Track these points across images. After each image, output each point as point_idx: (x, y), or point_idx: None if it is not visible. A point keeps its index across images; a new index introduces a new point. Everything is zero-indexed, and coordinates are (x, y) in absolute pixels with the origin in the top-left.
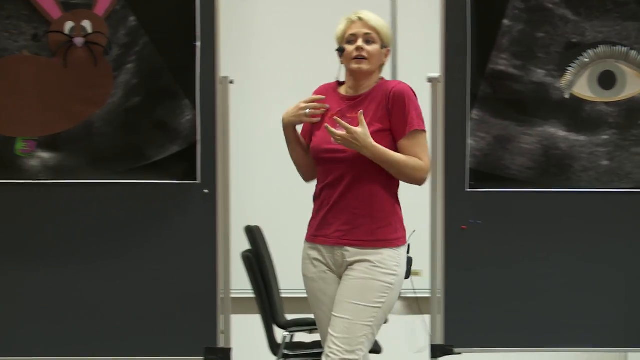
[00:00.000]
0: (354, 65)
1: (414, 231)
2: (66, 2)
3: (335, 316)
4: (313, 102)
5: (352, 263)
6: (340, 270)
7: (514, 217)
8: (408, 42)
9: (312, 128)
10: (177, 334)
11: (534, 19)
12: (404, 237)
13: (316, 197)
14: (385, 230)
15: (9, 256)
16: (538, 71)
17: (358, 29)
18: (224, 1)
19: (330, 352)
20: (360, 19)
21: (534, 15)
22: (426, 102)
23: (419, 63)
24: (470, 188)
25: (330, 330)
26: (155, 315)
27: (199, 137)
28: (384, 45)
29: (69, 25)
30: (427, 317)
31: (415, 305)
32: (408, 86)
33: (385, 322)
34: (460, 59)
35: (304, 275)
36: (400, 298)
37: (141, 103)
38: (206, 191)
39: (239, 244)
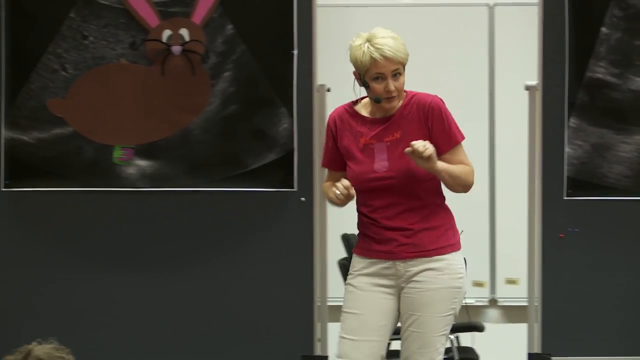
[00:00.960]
0: (387, 105)
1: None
2: (164, 10)
3: (413, 331)
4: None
5: (416, 273)
6: (399, 281)
7: (611, 225)
8: (506, 51)
9: (338, 156)
10: (274, 342)
11: (632, 27)
12: (459, 238)
13: (363, 215)
14: (445, 236)
15: (107, 263)
16: (636, 79)
17: (385, 69)
18: (321, 9)
19: None
20: (385, 57)
21: (632, 24)
22: (524, 110)
23: (516, 71)
24: (567, 196)
25: (409, 346)
26: (252, 322)
27: (296, 145)
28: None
29: (166, 34)
30: (524, 326)
31: (512, 314)
32: (439, 98)
33: None
34: (558, 67)
35: (350, 285)
36: (497, 306)
37: (238, 111)
38: (303, 199)
39: (336, 251)
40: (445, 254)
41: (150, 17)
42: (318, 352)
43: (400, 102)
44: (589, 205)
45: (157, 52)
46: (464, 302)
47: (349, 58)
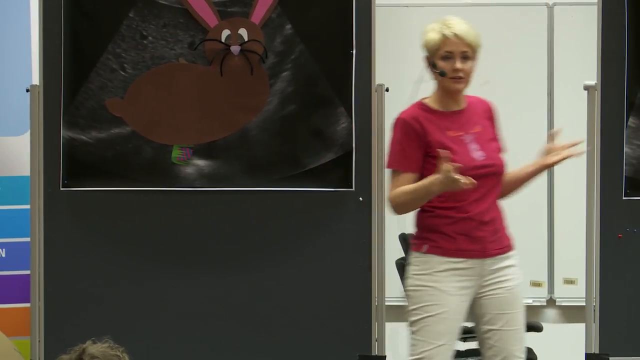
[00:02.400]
0: (453, 85)
1: None
2: (223, 10)
3: (508, 330)
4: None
5: (498, 270)
6: (481, 281)
7: None
8: (565, 50)
9: (420, 156)
10: (332, 341)
11: None
12: None
13: (451, 209)
14: (509, 233)
15: (165, 263)
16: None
17: (455, 47)
18: (380, 9)
19: None
20: (456, 35)
21: None
22: (583, 110)
23: (575, 71)
24: (626, 196)
25: (505, 346)
26: (309, 322)
27: (354, 144)
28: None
29: (225, 34)
30: (582, 326)
31: (570, 314)
32: None
33: None
34: (617, 67)
35: (434, 288)
36: (555, 306)
37: (297, 111)
38: (361, 199)
39: (394, 251)
40: (513, 249)
41: (209, 17)
42: (376, 352)
43: (465, 93)
44: None
45: (215, 52)
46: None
47: (423, 45)
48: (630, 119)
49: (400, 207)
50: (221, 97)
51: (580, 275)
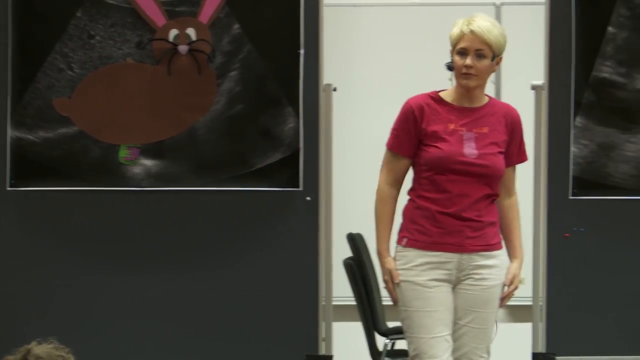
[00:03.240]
0: (462, 81)
1: None
2: (171, 9)
3: (473, 327)
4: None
5: (477, 267)
6: (460, 274)
7: (617, 225)
8: (512, 50)
9: (413, 142)
10: (279, 341)
11: (639, 26)
12: None
13: (431, 203)
14: (498, 231)
15: (112, 262)
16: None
17: (470, 44)
18: (328, 9)
19: None
20: (472, 32)
21: (638, 23)
22: (530, 110)
23: (523, 70)
24: (573, 196)
25: (468, 342)
26: (256, 322)
27: (301, 144)
28: (495, 56)
29: (173, 33)
30: (529, 325)
31: (517, 313)
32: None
33: None
34: (565, 67)
35: (412, 282)
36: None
37: (245, 110)
38: (308, 199)
39: (341, 251)
40: (500, 249)
41: (157, 16)
42: (323, 351)
43: (487, 98)
44: (594, 205)
45: (163, 52)
46: None
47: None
48: (578, 119)
49: (375, 203)
50: (169, 97)
51: (527, 275)
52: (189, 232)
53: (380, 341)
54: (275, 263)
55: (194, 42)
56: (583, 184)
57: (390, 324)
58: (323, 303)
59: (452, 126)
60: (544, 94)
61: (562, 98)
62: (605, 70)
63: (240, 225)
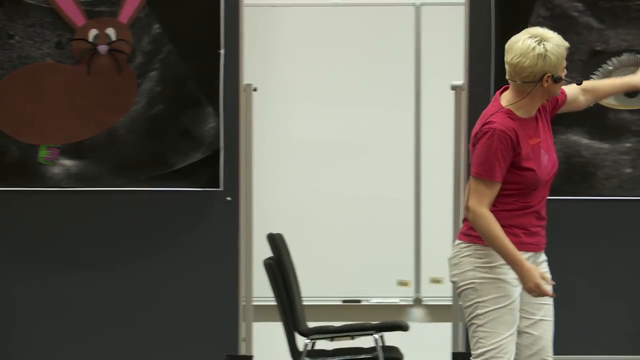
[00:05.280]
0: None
1: None
2: (90, 9)
3: (547, 319)
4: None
5: (541, 263)
6: None
7: None
8: (432, 50)
9: (508, 162)
10: (199, 341)
11: (558, 27)
12: None
13: (513, 206)
14: None
15: (31, 263)
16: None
17: None
18: (248, 9)
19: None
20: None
21: (558, 23)
22: (450, 110)
23: (442, 71)
24: None
25: (536, 333)
26: (176, 322)
27: (222, 144)
28: None
29: (93, 33)
30: (448, 325)
31: (437, 313)
32: None
33: None
34: (484, 67)
35: (500, 280)
36: (422, 305)
37: (165, 111)
38: (229, 199)
39: (261, 251)
40: None
41: (76, 16)
42: (243, 351)
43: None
44: None
45: (83, 52)
46: (388, 301)
47: (537, 62)
48: None
49: (477, 227)
50: (88, 97)
51: (447, 275)
52: (109, 232)
53: (301, 341)
54: (196, 263)
55: (113, 42)
56: None
57: (311, 324)
58: (243, 303)
59: (532, 142)
60: (464, 94)
61: (482, 98)
62: None
63: (160, 225)
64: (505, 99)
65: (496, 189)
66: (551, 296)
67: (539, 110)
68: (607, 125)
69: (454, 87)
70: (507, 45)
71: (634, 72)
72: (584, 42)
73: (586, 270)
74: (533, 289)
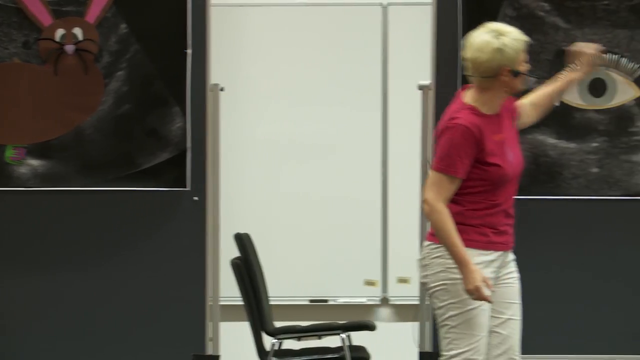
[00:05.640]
0: (522, 86)
1: None
2: (57, 9)
3: (517, 319)
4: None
5: (509, 262)
6: (500, 271)
7: None
8: (399, 50)
9: (475, 158)
10: (166, 341)
11: (524, 27)
12: None
13: (482, 205)
14: None
15: None
16: (528, 79)
17: None
18: (215, 9)
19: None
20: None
21: (524, 23)
22: (417, 110)
23: (410, 71)
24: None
25: (505, 332)
26: (143, 321)
27: (189, 144)
28: None
29: (60, 33)
30: (415, 324)
31: (404, 312)
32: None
33: None
34: (451, 67)
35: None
36: (389, 305)
37: (132, 110)
38: (196, 198)
39: (229, 251)
40: None
41: (43, 16)
42: (210, 351)
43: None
44: None
45: (50, 51)
46: (355, 301)
47: (494, 57)
48: None
49: (431, 221)
50: (56, 97)
51: (414, 275)
52: (76, 232)
53: (268, 341)
54: (163, 263)
55: (80, 41)
56: None
57: (278, 324)
58: (210, 303)
59: (497, 137)
60: (431, 94)
61: (449, 98)
62: None
63: (127, 225)
64: (468, 96)
65: (456, 184)
66: (489, 302)
67: (504, 108)
68: (573, 125)
69: (421, 87)
70: (465, 42)
71: (600, 72)
72: (550, 42)
73: (553, 270)
74: (472, 291)
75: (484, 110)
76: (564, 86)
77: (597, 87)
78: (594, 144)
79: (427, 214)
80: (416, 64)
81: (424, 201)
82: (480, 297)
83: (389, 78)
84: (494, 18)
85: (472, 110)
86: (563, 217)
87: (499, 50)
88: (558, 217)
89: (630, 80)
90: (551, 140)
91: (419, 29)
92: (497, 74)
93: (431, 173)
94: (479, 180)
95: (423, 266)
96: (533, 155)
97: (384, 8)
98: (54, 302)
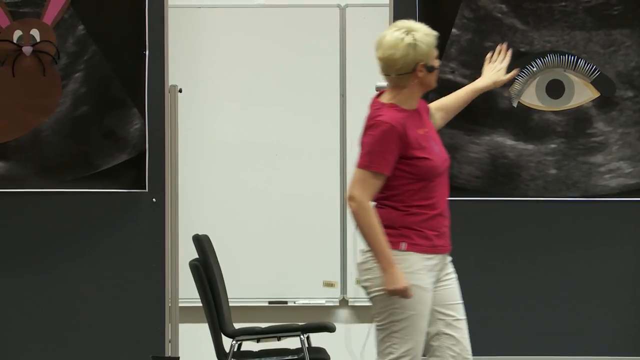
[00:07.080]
0: (435, 83)
1: None
2: (15, 10)
3: (461, 319)
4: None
5: (447, 263)
6: (440, 274)
7: (461, 226)
8: (357, 52)
9: (396, 160)
10: (125, 342)
11: (482, 28)
12: None
13: (427, 208)
14: None
15: None
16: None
17: None
18: (173, 10)
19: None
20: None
21: (482, 25)
22: None
23: (368, 72)
24: None
25: (456, 334)
26: (102, 323)
27: (147, 145)
28: None
29: (17, 34)
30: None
31: (363, 314)
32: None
33: None
34: None
35: (417, 286)
36: (348, 306)
37: (90, 112)
38: (154, 200)
39: (187, 252)
40: None
41: (0, 17)
42: (169, 353)
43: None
44: None
45: (7, 53)
46: (315, 302)
47: (408, 52)
48: None
49: (358, 218)
50: (13, 98)
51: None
52: (33, 234)
53: (227, 342)
54: (121, 264)
55: (38, 43)
56: None
57: (237, 325)
58: (169, 304)
59: (421, 131)
60: None
61: None
62: (450, 72)
63: (85, 226)
64: (385, 97)
65: (380, 181)
66: (409, 298)
67: (419, 106)
68: (531, 127)
69: (378, 89)
70: (375, 42)
71: (557, 73)
72: (508, 44)
73: (511, 271)
74: (393, 293)
75: (405, 107)
76: (470, 95)
77: (555, 89)
78: (552, 146)
79: (354, 211)
80: (374, 65)
81: (349, 198)
82: (404, 296)
83: (347, 79)
84: (451, 20)
85: (393, 107)
86: (522, 219)
87: (412, 46)
88: (517, 218)
89: (587, 82)
90: (509, 142)
91: (377, 30)
92: (412, 70)
93: (355, 170)
94: (410, 178)
95: (365, 270)
96: (492, 157)
97: (342, 9)
98: (9, 304)
